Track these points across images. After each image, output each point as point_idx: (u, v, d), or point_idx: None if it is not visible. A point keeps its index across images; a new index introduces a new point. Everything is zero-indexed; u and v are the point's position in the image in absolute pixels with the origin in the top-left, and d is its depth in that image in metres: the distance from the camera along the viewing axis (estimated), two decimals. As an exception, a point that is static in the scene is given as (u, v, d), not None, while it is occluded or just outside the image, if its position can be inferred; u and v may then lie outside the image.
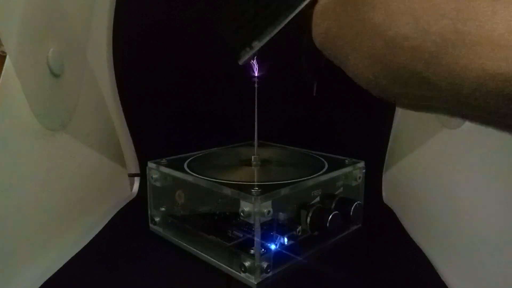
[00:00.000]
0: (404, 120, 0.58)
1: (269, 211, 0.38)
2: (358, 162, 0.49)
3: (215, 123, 0.67)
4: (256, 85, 0.45)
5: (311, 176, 0.43)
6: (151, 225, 0.50)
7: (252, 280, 0.38)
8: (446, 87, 0.17)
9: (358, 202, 0.46)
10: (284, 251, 0.40)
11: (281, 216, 0.41)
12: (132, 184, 0.66)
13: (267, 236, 0.39)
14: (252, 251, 0.38)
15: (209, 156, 0.54)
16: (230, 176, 0.43)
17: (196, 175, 0.44)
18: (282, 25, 0.24)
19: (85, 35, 0.55)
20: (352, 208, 0.45)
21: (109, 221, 0.53)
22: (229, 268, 0.40)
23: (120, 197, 0.62)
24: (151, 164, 0.49)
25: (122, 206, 0.59)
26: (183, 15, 0.64)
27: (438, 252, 0.43)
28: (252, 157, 0.49)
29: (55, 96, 0.45)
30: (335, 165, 0.47)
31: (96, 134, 0.56)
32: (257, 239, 0.37)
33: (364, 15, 0.19)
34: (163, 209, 0.49)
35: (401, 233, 0.50)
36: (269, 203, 0.38)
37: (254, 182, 0.43)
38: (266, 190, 0.38)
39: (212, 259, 0.42)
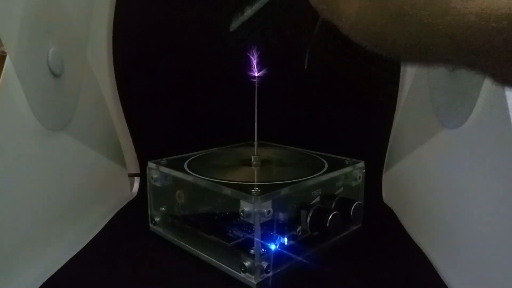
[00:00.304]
0: (404, 120, 0.58)
1: (269, 211, 0.38)
2: (358, 162, 0.49)
3: (215, 123, 0.67)
4: (256, 85, 0.45)
5: (311, 176, 0.43)
6: (151, 225, 0.50)
7: (252, 280, 0.38)
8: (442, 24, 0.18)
9: (358, 202, 0.46)
10: (284, 251, 0.40)
11: (281, 216, 0.41)
12: (132, 184, 0.66)
13: (267, 236, 0.39)
14: (252, 251, 0.38)
15: (209, 156, 0.54)
16: (230, 176, 0.43)
17: (196, 175, 0.44)
18: None
19: (85, 35, 0.55)
20: (352, 208, 0.45)
21: (109, 221, 0.53)
22: (229, 268, 0.40)
23: (120, 197, 0.62)
24: (151, 164, 0.49)
25: (122, 206, 0.59)
26: (183, 15, 0.64)
27: (438, 252, 0.43)
28: (252, 157, 0.49)
29: (55, 96, 0.45)
30: (335, 165, 0.47)
31: (96, 134, 0.56)
32: (257, 239, 0.37)
33: None
34: (163, 209, 0.49)
35: (401, 233, 0.50)
36: (269, 203, 0.38)
37: (254, 182, 0.43)
38: (266, 190, 0.38)
39: (212, 259, 0.42)
